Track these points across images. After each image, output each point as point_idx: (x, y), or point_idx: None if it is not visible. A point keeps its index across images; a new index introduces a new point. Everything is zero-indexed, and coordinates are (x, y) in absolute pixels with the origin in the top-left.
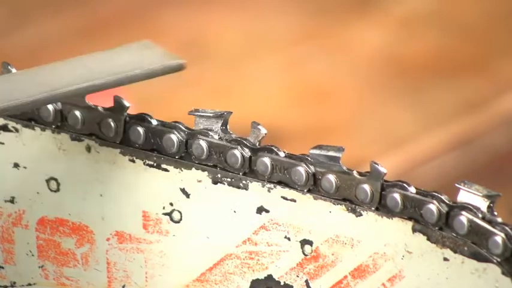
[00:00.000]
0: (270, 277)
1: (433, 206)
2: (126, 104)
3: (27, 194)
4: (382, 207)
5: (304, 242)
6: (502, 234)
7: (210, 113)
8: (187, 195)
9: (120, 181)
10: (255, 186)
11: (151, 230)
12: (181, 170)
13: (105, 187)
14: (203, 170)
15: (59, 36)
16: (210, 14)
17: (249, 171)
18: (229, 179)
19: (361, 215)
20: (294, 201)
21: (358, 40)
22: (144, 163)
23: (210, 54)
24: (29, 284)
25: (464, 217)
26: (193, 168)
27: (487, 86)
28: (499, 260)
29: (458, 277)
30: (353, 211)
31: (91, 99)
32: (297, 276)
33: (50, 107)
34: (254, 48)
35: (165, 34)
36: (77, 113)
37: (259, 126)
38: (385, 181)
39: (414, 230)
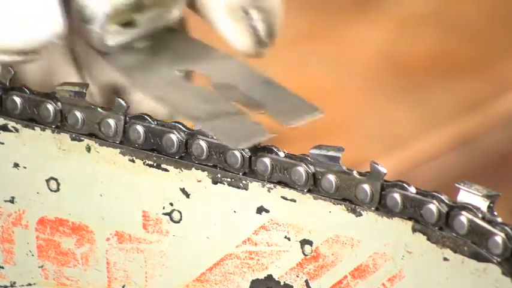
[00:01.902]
0: (270, 277)
1: (433, 206)
2: (126, 104)
3: (27, 194)
4: (382, 207)
5: (304, 242)
6: (502, 234)
7: None
8: (187, 195)
9: (120, 181)
10: (255, 186)
11: (151, 230)
12: (181, 170)
13: (105, 187)
14: (203, 170)
15: None
16: None
17: (249, 171)
18: (229, 179)
19: (361, 215)
20: (294, 201)
21: (358, 40)
22: (144, 163)
23: None
24: (29, 284)
25: (464, 217)
26: (193, 168)
27: (486, 86)
28: (499, 260)
29: (458, 277)
30: (353, 211)
31: None
32: (297, 276)
33: (50, 106)
34: None
35: None
36: (77, 113)
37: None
38: (385, 181)
39: (414, 230)
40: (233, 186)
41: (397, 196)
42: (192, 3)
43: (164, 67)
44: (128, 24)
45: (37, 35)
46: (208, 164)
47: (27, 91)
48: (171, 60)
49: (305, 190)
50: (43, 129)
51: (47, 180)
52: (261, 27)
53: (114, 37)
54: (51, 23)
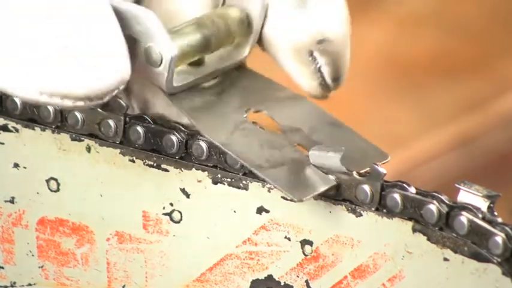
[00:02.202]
0: (270, 277)
1: (433, 206)
2: (126, 104)
3: (27, 194)
4: (382, 207)
5: (304, 242)
6: (502, 235)
7: None
8: (188, 196)
9: (120, 181)
10: (255, 186)
11: (152, 230)
12: (182, 170)
13: (105, 187)
14: (203, 170)
15: None
16: None
17: (249, 171)
18: (229, 179)
19: (361, 215)
20: (294, 201)
21: (358, 40)
22: (144, 163)
23: None
24: (29, 284)
25: (464, 217)
26: (194, 169)
27: (486, 86)
28: (499, 260)
29: (459, 277)
30: (353, 211)
31: None
32: (297, 276)
33: (50, 107)
34: (254, 49)
35: None
36: (77, 113)
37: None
38: (385, 181)
39: (414, 230)
40: (233, 187)
41: (397, 196)
42: (260, 41)
43: (231, 108)
44: (195, 63)
45: (104, 82)
46: (209, 164)
47: None
48: (238, 100)
49: None
50: (43, 129)
51: (47, 180)
52: (326, 71)
53: (181, 78)
54: (120, 71)
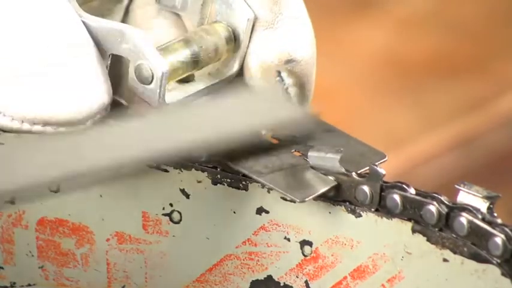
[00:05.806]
0: (269, 278)
1: (433, 207)
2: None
3: None
4: (381, 208)
5: (304, 243)
6: (502, 236)
7: None
8: (187, 196)
9: (120, 181)
10: (254, 187)
11: (151, 231)
12: (181, 171)
13: (105, 187)
14: (203, 171)
15: None
16: None
17: None
18: (229, 180)
19: (360, 216)
20: (294, 202)
21: (358, 40)
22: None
23: None
24: (29, 285)
25: (464, 218)
26: (193, 169)
27: (486, 86)
28: (498, 261)
29: (458, 278)
30: (353, 212)
31: None
32: (297, 277)
33: None
34: None
35: None
36: None
37: None
38: (385, 182)
39: (414, 231)
40: (233, 187)
41: (396, 197)
42: None
43: None
44: (185, 80)
45: (85, 107)
46: (208, 165)
47: None
48: None
49: None
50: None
51: None
52: (293, 92)
53: (172, 95)
54: (100, 96)
